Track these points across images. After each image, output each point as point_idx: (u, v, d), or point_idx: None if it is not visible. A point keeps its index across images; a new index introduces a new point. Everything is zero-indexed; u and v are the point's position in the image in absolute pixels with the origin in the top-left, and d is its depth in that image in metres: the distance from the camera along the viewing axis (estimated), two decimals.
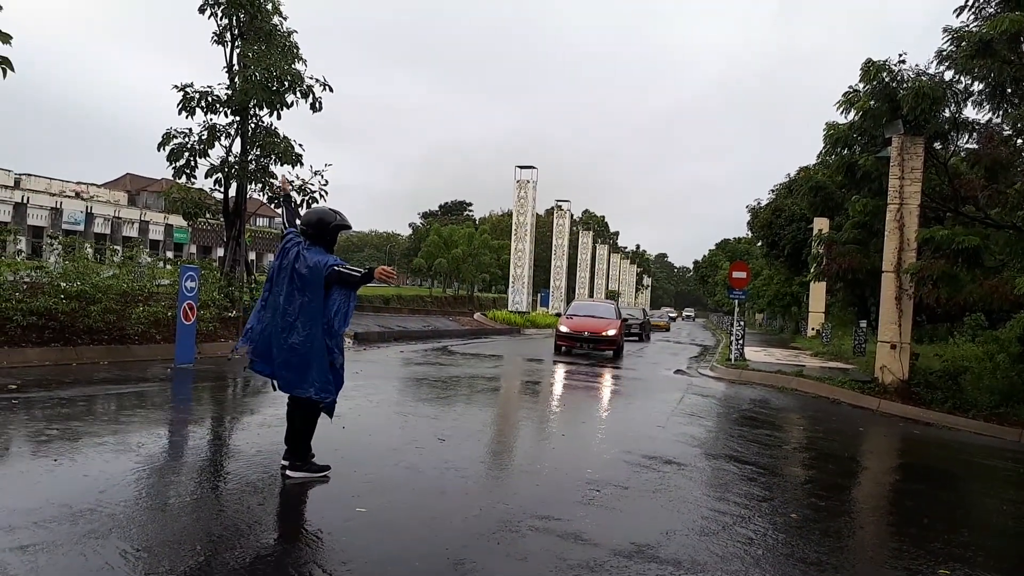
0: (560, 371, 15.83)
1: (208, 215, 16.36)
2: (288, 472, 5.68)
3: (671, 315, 71.86)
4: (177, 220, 50.45)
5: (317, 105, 15.77)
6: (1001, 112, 14.91)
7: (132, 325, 12.38)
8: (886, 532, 6.30)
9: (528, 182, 43.00)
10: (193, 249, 63.40)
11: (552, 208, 57.51)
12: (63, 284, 12.03)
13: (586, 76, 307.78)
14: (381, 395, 10.42)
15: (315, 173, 15.93)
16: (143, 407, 8.66)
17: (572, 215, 59.30)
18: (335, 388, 5.65)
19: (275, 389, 5.72)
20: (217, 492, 5.37)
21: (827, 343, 28.50)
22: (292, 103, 15.57)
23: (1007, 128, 15.01)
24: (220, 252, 17.58)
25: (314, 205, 5.07)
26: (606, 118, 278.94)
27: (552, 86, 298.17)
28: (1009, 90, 13.98)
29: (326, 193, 16.04)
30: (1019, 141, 15.08)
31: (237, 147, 15.54)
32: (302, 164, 15.79)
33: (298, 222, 5.84)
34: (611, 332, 20.53)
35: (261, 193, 16.05)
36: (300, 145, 15.80)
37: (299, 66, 15.70)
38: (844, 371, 18.55)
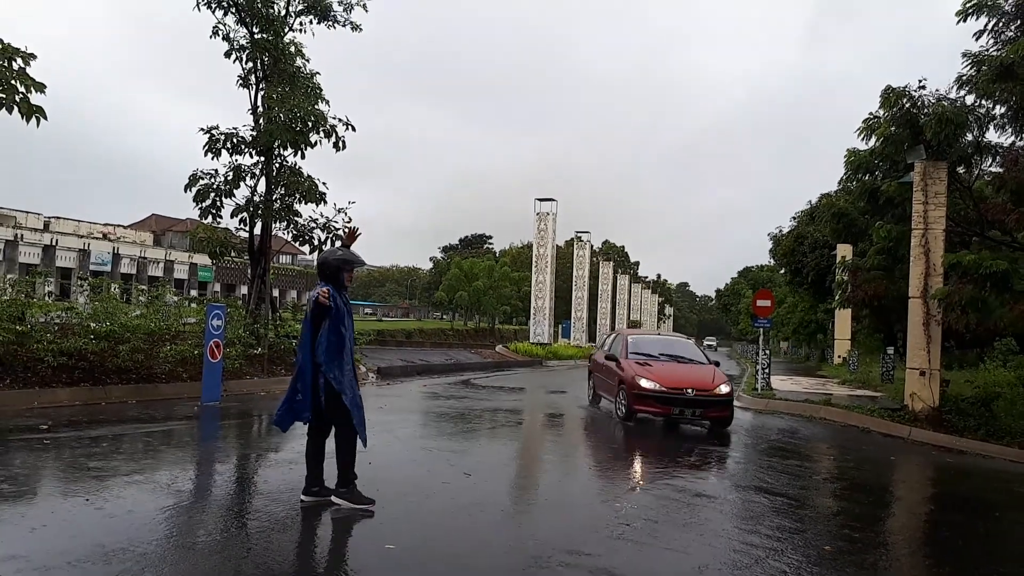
0: (583, 404, 15.73)
1: (233, 254, 16.57)
2: (332, 497, 5.95)
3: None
4: (201, 259, 51.21)
5: (341, 144, 15.99)
6: None
7: (159, 364, 12.51)
8: (922, 564, 6.16)
9: (548, 214, 43.18)
10: (217, 287, 64.15)
11: (572, 239, 57.65)
12: (92, 324, 12.22)
13: (608, 104, 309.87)
14: (406, 429, 10.41)
15: (339, 211, 16.14)
16: (171, 445, 8.71)
17: (592, 246, 59.37)
18: (295, 413, 5.99)
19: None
20: (245, 530, 5.37)
21: (854, 371, 28.11)
22: (316, 143, 15.82)
23: None
24: (244, 290, 17.83)
25: (330, 248, 5.38)
26: (628, 147, 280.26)
27: (573, 116, 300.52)
28: None
29: (349, 221, 16.22)
30: None
31: (262, 186, 15.79)
32: (326, 202, 16.01)
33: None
34: (724, 388, 12.75)
35: (285, 232, 16.25)
36: (324, 183, 16.04)
37: (322, 106, 15.98)
38: (873, 399, 18.27)
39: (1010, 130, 14.80)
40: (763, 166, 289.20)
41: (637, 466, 9.25)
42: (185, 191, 15.13)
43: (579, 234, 54.06)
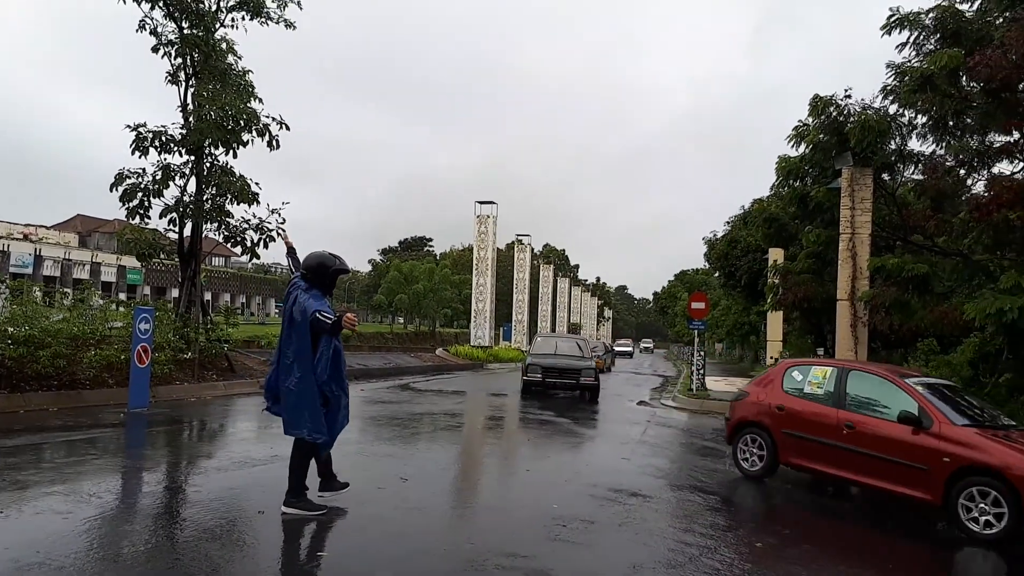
0: (524, 406, 15.76)
1: (163, 256, 16.06)
2: (282, 507, 5.78)
3: (621, 348, 68.31)
4: (130, 261, 49.57)
5: (274, 143, 15.67)
6: (944, 144, 15.45)
7: (83, 370, 12.05)
8: (849, 557, 6.33)
9: (488, 217, 43.18)
10: (147, 291, 62.21)
11: (513, 242, 57.80)
12: (10, 329, 11.67)
13: (555, 109, 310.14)
14: (342, 435, 10.21)
15: (272, 211, 15.76)
16: (95, 454, 8.38)
17: (533, 249, 59.61)
18: (328, 429, 5.85)
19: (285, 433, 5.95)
20: (173, 540, 5.20)
21: None
22: (248, 142, 15.45)
23: (950, 160, 15.52)
24: (175, 293, 17.26)
25: (315, 250, 5.25)
26: (573, 151, 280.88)
27: (519, 120, 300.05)
28: (951, 123, 14.48)
29: (283, 231, 15.88)
30: (962, 172, 15.57)
31: (192, 186, 15.35)
32: (259, 203, 15.62)
33: (296, 267, 6.14)
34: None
35: (216, 233, 15.82)
36: (256, 183, 15.66)
37: (255, 104, 15.62)
38: None
39: (931, 139, 15.40)
40: (705, 172, 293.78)
41: (574, 467, 9.29)
42: (111, 191, 14.60)
43: (520, 237, 54.23)
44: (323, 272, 5.84)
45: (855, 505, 8.47)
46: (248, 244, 15.74)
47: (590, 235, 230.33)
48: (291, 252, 6.42)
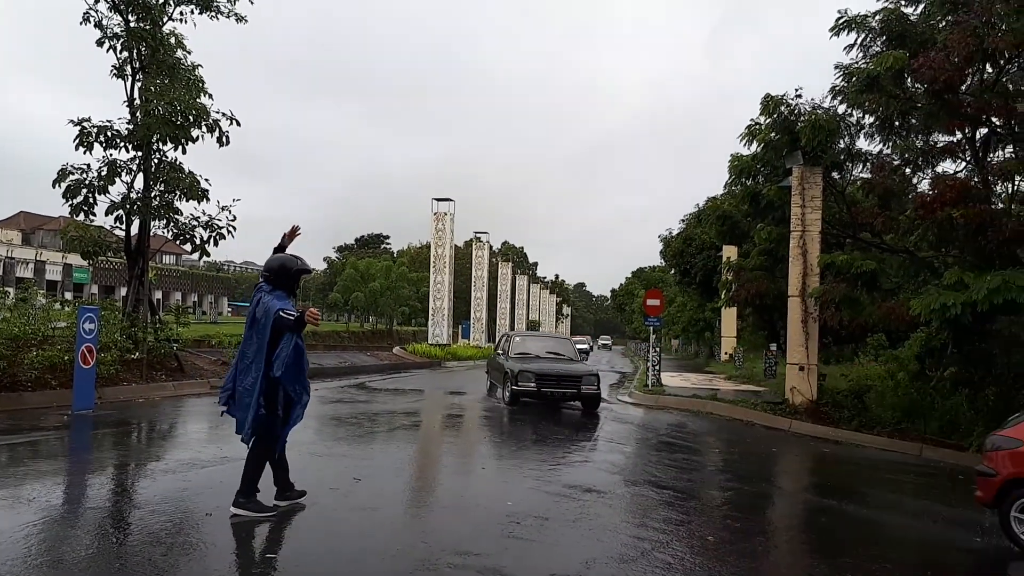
0: (481, 404, 15.71)
1: (109, 253, 15.64)
2: (231, 508, 5.74)
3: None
4: (77, 260, 48.33)
5: (224, 139, 15.37)
6: (891, 143, 15.84)
7: (25, 371, 11.68)
8: (799, 550, 6.44)
9: (445, 214, 43.00)
10: (95, 289, 60.65)
11: (471, 240, 57.67)
12: None
13: (513, 108, 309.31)
14: (294, 436, 10.03)
15: (222, 208, 15.46)
16: (36, 457, 8.13)
17: (491, 246, 59.56)
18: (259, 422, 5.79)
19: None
20: (117, 545, 5.06)
21: (740, 367, 29.32)
22: (198, 137, 15.12)
23: (896, 159, 15.92)
24: (124, 292, 16.81)
25: (281, 255, 5.30)
26: (531, 149, 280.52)
27: (477, 117, 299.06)
28: (897, 123, 14.85)
29: (234, 229, 15.57)
30: (907, 171, 15.98)
31: (140, 183, 14.98)
32: (208, 199, 15.31)
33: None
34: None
35: (165, 230, 15.48)
36: (206, 180, 15.34)
37: (205, 100, 15.30)
38: (756, 394, 19.08)
39: (878, 138, 15.78)
40: (664, 169, 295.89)
41: (530, 464, 9.28)
42: (54, 186, 14.16)
43: (478, 235, 54.12)
44: (285, 273, 5.92)
45: (811, 508, 8.62)
46: (197, 241, 15.43)
47: (549, 233, 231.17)
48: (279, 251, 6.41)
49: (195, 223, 15.41)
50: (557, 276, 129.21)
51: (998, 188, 14.51)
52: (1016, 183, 14.59)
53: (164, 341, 15.32)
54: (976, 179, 13.44)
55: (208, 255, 16.05)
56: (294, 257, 6.06)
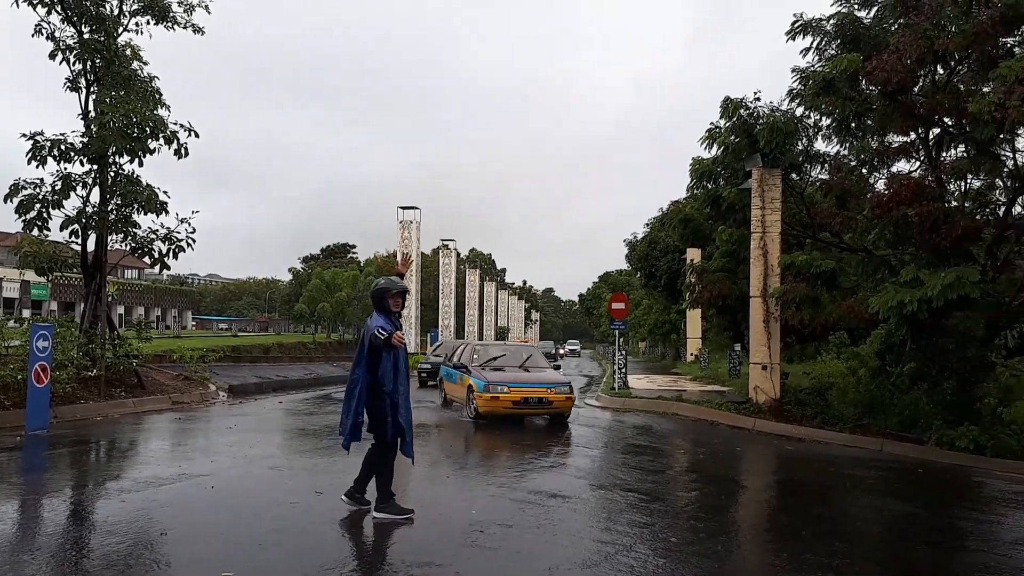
0: (445, 412, 15.63)
1: (65, 269, 15.30)
2: (373, 513, 6.39)
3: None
4: (35, 276, 47.40)
5: (183, 151, 15.11)
6: (847, 145, 16.10)
7: None
8: (762, 549, 6.48)
9: (411, 222, 42.89)
10: (54, 306, 59.44)
11: (439, 248, 57.54)
12: None
13: (488, 112, 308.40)
14: (256, 450, 9.91)
15: (181, 221, 15.20)
16: None
17: (459, 254, 59.52)
18: (392, 431, 6.52)
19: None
20: (72, 568, 4.92)
21: (705, 367, 29.55)
22: (155, 150, 14.89)
23: (853, 160, 16.18)
24: (82, 308, 16.43)
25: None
26: (506, 154, 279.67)
27: (451, 123, 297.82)
28: (853, 124, 15.10)
29: (194, 241, 15.33)
30: (864, 171, 16.25)
31: (96, 196, 14.68)
32: (167, 212, 15.04)
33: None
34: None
35: (123, 244, 15.19)
36: (165, 192, 15.07)
37: (162, 112, 15.06)
38: (721, 394, 19.23)
39: (835, 140, 16.04)
40: (636, 174, 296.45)
41: (496, 471, 9.25)
42: (5, 201, 13.82)
43: (445, 242, 54.01)
44: (375, 296, 6.66)
45: (774, 505, 8.69)
46: (156, 255, 15.17)
47: (519, 239, 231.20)
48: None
49: (154, 236, 15.15)
50: (525, 282, 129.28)
51: (951, 187, 14.84)
52: (968, 181, 14.94)
53: (123, 357, 15.00)
54: (930, 178, 13.70)
55: (168, 268, 15.79)
56: (389, 281, 6.80)
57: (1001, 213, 13.86)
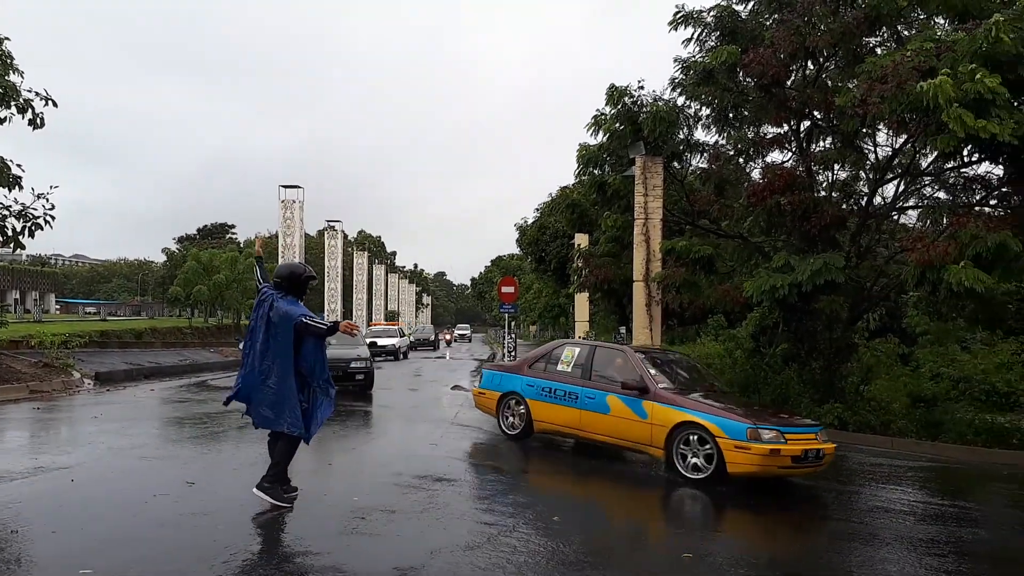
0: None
1: None
2: (255, 488, 6.16)
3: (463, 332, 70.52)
4: None
5: (38, 121, 13.88)
6: (725, 134, 16.65)
7: None
8: (643, 527, 6.62)
9: (294, 202, 41.47)
10: None
11: (324, 229, 56.05)
12: None
13: (383, 89, 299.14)
14: (123, 441, 9.33)
15: (38, 196, 14.02)
16: None
17: (347, 235, 58.23)
18: (306, 423, 6.26)
19: (255, 427, 6.47)
20: None
21: None
22: (5, 119, 13.71)
23: (730, 149, 16.77)
24: None
25: (287, 261, 6.22)
26: (399, 132, 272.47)
27: (343, 99, 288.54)
28: (730, 115, 15.61)
29: (52, 218, 14.13)
30: (741, 160, 16.88)
31: None
32: (21, 187, 13.85)
33: (264, 278, 6.66)
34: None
35: None
36: (19, 166, 13.85)
37: (14, 77, 13.86)
38: None
39: (714, 129, 16.50)
40: (528, 157, 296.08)
41: (381, 457, 9.08)
42: None
43: (331, 223, 52.59)
44: (295, 280, 6.45)
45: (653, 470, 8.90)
46: (9, 233, 13.99)
47: (411, 221, 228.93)
48: (259, 261, 7.00)
49: (6, 213, 13.95)
50: (416, 265, 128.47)
51: (820, 177, 15.60)
52: (835, 172, 15.77)
53: None
54: (801, 169, 14.36)
55: (23, 247, 14.60)
56: (301, 264, 6.79)
57: (864, 203, 14.71)
